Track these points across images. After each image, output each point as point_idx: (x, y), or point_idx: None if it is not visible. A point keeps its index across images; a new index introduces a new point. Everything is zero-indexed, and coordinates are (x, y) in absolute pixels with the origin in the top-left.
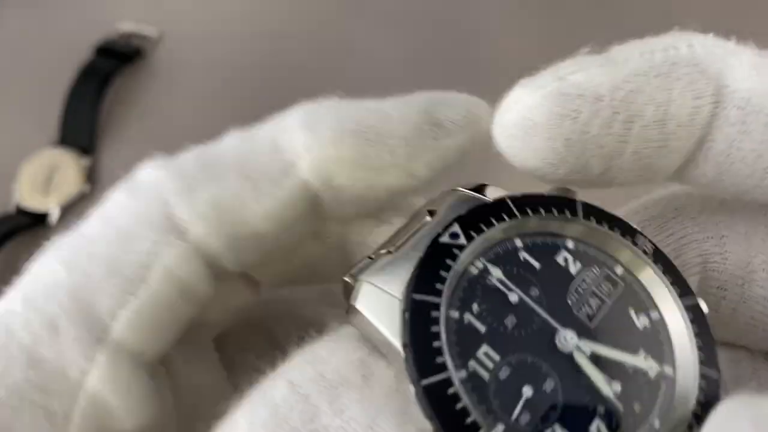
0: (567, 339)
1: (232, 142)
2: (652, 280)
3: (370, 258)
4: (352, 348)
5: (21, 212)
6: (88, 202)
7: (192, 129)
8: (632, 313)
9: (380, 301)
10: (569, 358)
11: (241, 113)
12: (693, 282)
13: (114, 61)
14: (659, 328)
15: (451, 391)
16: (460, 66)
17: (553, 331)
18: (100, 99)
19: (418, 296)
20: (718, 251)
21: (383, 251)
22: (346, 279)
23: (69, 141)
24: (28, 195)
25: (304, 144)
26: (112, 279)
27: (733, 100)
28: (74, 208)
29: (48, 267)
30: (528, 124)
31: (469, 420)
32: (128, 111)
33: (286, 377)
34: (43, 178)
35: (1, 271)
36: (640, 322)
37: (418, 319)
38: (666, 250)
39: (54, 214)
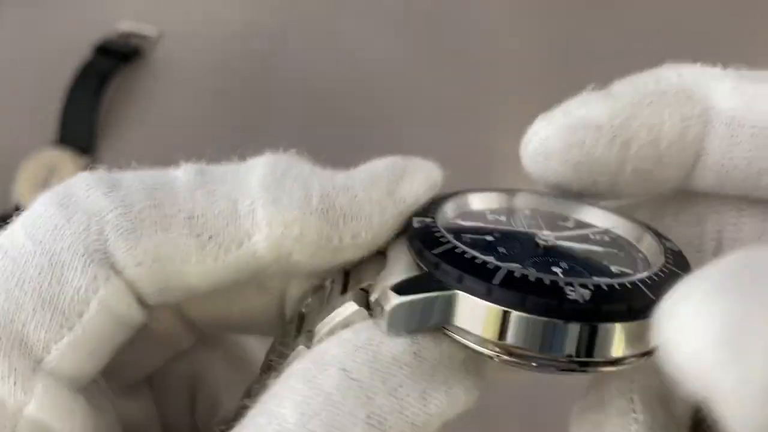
0: (546, 235)
1: (187, 184)
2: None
3: (364, 290)
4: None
5: (20, 212)
6: None
7: (191, 129)
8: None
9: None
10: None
11: (240, 113)
12: (708, 249)
13: (113, 61)
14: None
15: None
16: (459, 66)
17: (533, 236)
18: (99, 99)
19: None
20: (734, 221)
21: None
22: (362, 287)
23: (68, 141)
24: (27, 194)
25: (265, 218)
26: (47, 312)
27: (720, 118)
28: None
29: None
30: (546, 152)
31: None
32: (127, 111)
33: (336, 364)
34: (42, 177)
35: None
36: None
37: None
38: (687, 218)
39: None
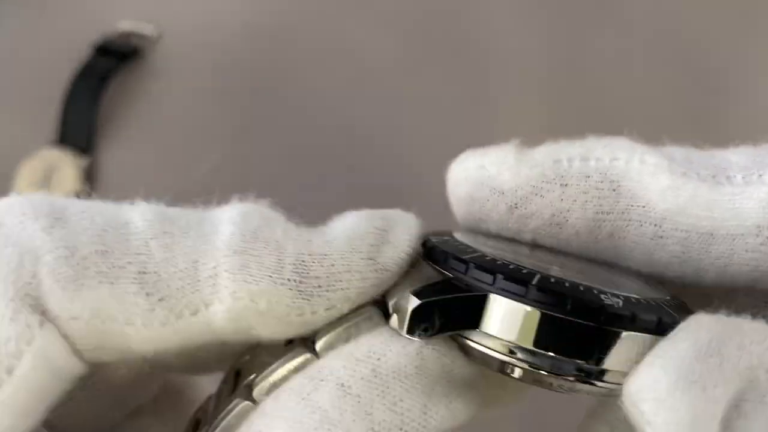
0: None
1: (143, 229)
2: None
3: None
4: (411, 345)
5: None
6: None
7: (191, 129)
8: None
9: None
10: None
11: (240, 113)
12: None
13: (113, 61)
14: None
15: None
16: (459, 66)
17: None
18: (98, 98)
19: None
20: None
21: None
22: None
23: (67, 141)
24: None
25: (229, 287)
26: None
27: (648, 218)
28: None
29: None
30: (455, 194)
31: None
32: (127, 111)
33: (333, 380)
34: (41, 178)
35: None
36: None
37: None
38: None
39: None
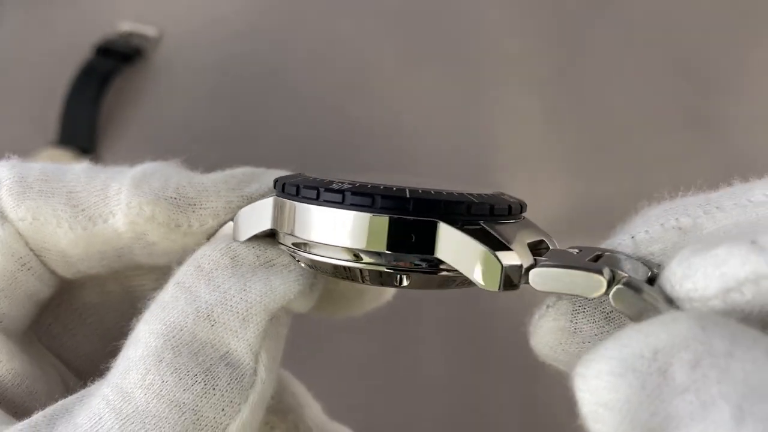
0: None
1: (78, 170)
2: None
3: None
4: (221, 240)
5: None
6: None
7: (191, 128)
8: None
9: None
10: None
11: (240, 113)
12: None
13: (114, 61)
14: None
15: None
16: (459, 65)
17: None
18: (99, 99)
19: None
20: None
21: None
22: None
23: (68, 141)
24: None
25: (125, 199)
26: None
27: None
28: None
29: None
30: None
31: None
32: (128, 111)
33: (172, 281)
34: None
35: None
36: None
37: None
38: None
39: None
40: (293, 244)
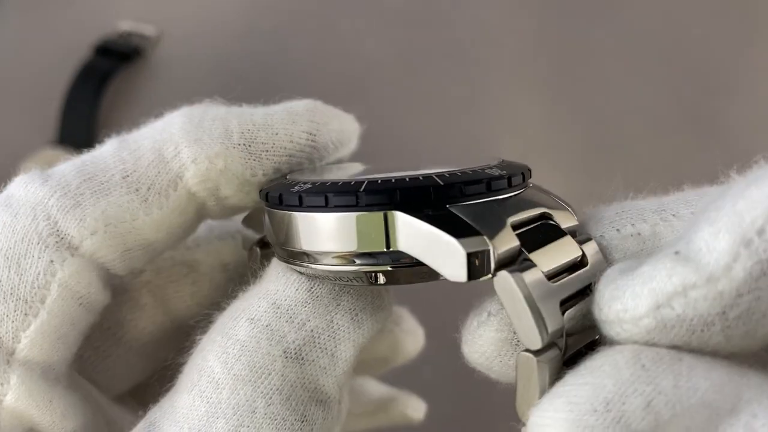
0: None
1: (113, 151)
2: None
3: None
4: (293, 276)
5: None
6: None
7: None
8: None
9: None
10: None
11: None
12: None
13: (113, 61)
14: None
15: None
16: (458, 65)
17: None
18: (99, 98)
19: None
20: None
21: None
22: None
23: (68, 140)
24: None
25: (190, 156)
26: (10, 303)
27: None
28: None
29: None
30: None
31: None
32: (127, 110)
33: (243, 315)
34: None
35: None
36: None
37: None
38: None
39: None
40: (289, 255)
